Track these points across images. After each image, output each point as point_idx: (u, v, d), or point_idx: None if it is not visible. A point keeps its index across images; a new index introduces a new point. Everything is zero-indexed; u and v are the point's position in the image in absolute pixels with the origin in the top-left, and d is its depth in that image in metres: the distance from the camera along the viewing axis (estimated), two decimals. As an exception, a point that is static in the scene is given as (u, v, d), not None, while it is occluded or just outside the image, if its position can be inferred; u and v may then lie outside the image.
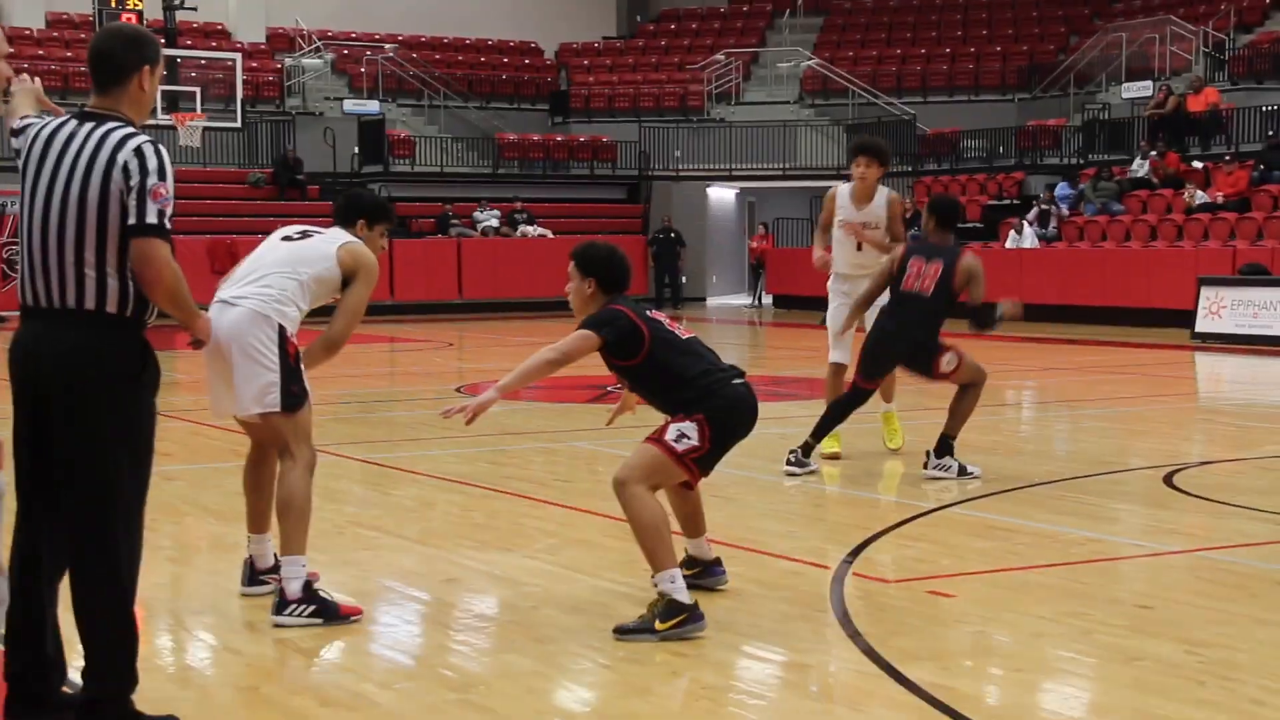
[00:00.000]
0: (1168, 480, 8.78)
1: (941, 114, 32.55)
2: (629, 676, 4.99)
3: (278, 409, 5.58)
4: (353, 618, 5.61)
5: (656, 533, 5.41)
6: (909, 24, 36.90)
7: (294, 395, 5.61)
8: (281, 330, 5.59)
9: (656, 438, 5.56)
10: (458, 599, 6.11)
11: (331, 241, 5.87)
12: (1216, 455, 9.86)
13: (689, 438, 5.52)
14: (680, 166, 33.06)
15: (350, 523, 7.66)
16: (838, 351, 9.77)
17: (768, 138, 32.59)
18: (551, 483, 9.01)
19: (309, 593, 5.58)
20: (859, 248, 9.78)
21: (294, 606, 5.52)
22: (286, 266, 5.75)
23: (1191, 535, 7.40)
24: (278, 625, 5.51)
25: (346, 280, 5.81)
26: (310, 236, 5.94)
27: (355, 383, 15.07)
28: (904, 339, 8.89)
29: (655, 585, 5.44)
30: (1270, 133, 25.80)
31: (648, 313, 5.71)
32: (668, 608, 5.35)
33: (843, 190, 9.89)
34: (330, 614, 5.56)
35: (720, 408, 5.58)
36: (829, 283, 10.06)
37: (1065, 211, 26.20)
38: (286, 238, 5.95)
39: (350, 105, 32.23)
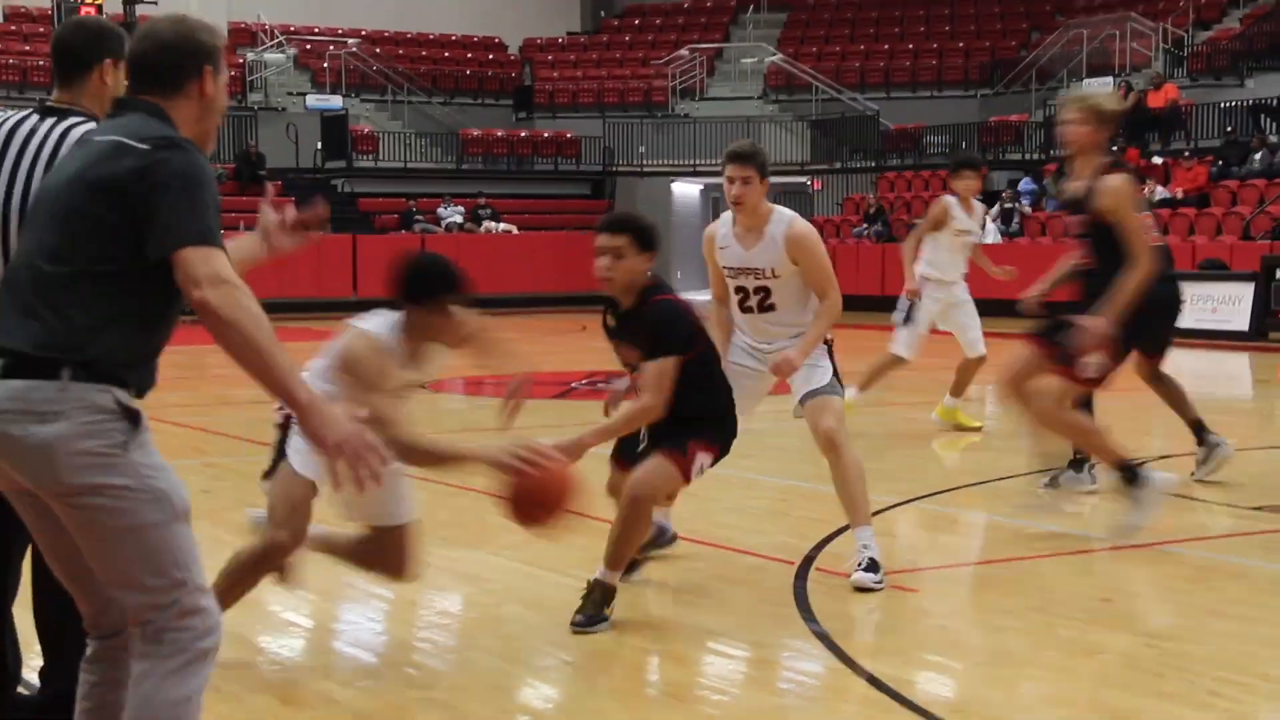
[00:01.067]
0: (1128, 474, 8.84)
1: (905, 110, 32.65)
2: (593, 673, 5.00)
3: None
4: None
5: (639, 542, 5.61)
6: (872, 20, 37.00)
7: (273, 463, 5.03)
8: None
9: (679, 458, 5.48)
10: (421, 596, 6.09)
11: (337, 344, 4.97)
12: (1176, 449, 9.92)
13: (705, 469, 5.60)
14: (644, 162, 33.06)
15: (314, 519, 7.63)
16: (910, 349, 10.59)
17: (732, 133, 32.57)
18: (516, 479, 8.99)
19: None
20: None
21: None
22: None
23: (1152, 529, 7.45)
24: None
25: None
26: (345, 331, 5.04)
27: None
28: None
29: (598, 576, 5.48)
30: (1229, 129, 26.00)
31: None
32: (609, 594, 5.46)
33: (951, 201, 10.72)
34: None
35: (729, 441, 5.69)
36: (925, 289, 10.67)
37: (1028, 207, 26.34)
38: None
39: (313, 101, 32.09)
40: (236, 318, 3.07)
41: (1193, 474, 8.52)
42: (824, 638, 5.33)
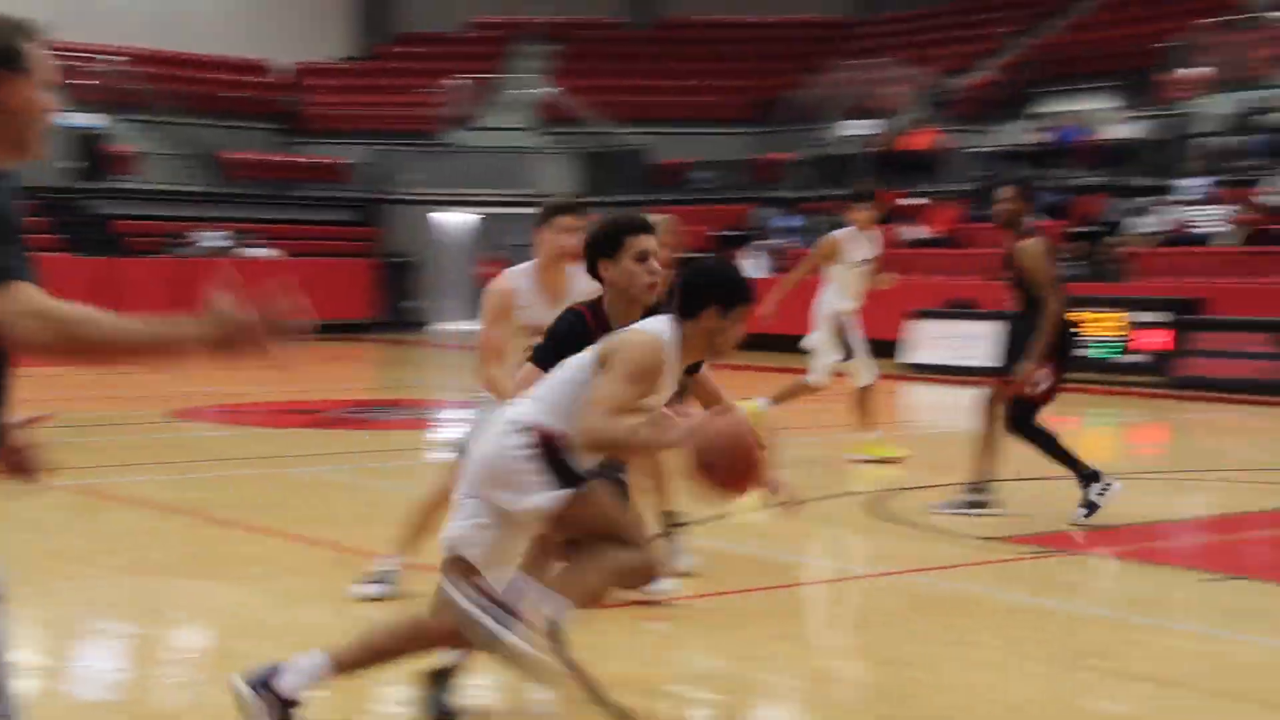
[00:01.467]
0: (874, 506, 9.10)
1: (676, 144, 33.15)
2: (329, 709, 4.93)
3: None
4: None
5: None
6: (648, 55, 37.51)
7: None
8: None
9: None
10: (161, 630, 5.92)
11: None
12: (919, 481, 10.26)
13: None
14: (413, 190, 32.83)
15: (52, 552, 7.35)
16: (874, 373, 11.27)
17: (503, 163, 32.65)
18: (268, 509, 8.82)
19: None
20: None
21: None
22: None
23: (894, 558, 7.67)
24: None
25: None
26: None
27: (65, 405, 14.47)
28: None
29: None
30: (985, 172, 27.08)
31: None
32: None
33: (843, 235, 11.28)
34: None
35: None
36: (836, 314, 11.19)
37: (781, 243, 27.06)
38: None
39: (70, 118, 30.99)
40: (47, 337, 2.75)
41: (935, 504, 8.78)
42: (570, 668, 5.35)
